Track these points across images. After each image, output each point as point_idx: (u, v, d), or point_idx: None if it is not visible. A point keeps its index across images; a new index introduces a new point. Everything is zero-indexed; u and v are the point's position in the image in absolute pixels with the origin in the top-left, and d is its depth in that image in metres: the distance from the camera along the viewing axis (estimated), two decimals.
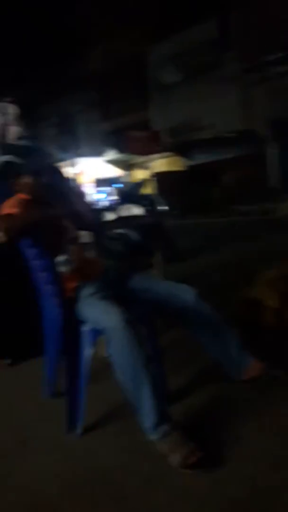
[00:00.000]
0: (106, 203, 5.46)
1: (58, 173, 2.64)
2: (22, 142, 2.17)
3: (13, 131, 2.47)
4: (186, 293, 1.78)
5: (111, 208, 3.49)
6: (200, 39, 14.35)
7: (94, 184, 16.02)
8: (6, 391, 2.18)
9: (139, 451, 1.54)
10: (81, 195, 2.46)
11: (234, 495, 1.28)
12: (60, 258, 1.84)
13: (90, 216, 2.01)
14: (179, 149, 16.06)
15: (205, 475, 1.37)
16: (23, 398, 2.08)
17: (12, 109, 2.51)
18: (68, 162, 16.15)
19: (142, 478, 1.40)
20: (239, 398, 1.80)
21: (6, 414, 1.95)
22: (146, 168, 13.33)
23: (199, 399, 1.86)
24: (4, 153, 1.94)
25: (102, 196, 13.06)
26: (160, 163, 17.33)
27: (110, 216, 2.82)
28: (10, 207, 1.79)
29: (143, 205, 3.68)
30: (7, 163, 1.90)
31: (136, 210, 3.27)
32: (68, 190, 2.02)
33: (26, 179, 1.88)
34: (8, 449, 1.67)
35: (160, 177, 14.83)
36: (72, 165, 16.53)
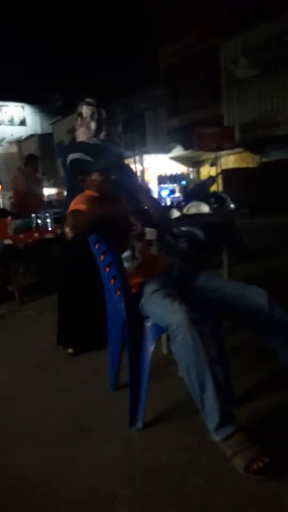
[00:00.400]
0: (170, 200, 5.44)
1: (126, 170, 2.67)
2: (92, 140, 2.21)
3: (102, 135, 2.54)
4: (257, 295, 1.70)
5: (175, 205, 3.47)
6: (275, 32, 13.78)
7: (158, 181, 16.11)
8: (71, 381, 2.26)
9: (201, 451, 1.52)
10: (149, 192, 2.46)
11: None
12: (126, 254, 1.87)
13: (159, 213, 2.01)
14: (252, 146, 15.58)
15: (270, 482, 1.32)
16: (87, 388, 2.14)
17: (104, 114, 2.58)
18: (134, 159, 16.41)
19: (204, 478, 1.38)
20: None
21: (69, 403, 2.03)
22: (214, 165, 13.09)
23: (266, 403, 1.80)
24: (74, 151, 1.99)
25: (166, 193, 13.07)
26: (230, 160, 16.95)
27: (174, 214, 2.80)
28: (78, 203, 1.84)
29: (211, 203, 3.61)
30: (76, 160, 1.95)
31: (203, 208, 3.21)
32: (136, 188, 2.03)
33: (95, 177, 1.92)
34: (70, 436, 1.73)
35: (230, 174, 14.51)
36: (138, 162, 16.76)
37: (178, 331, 1.49)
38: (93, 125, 2.53)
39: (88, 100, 2.58)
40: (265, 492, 1.29)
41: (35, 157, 6.00)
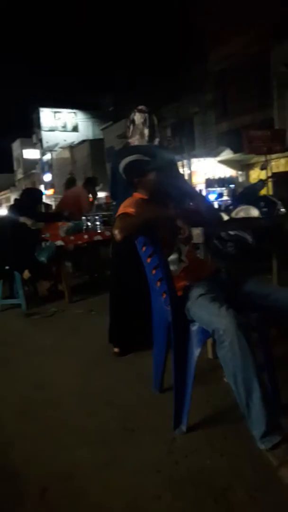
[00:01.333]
0: (218, 204, 5.39)
1: (178, 174, 2.69)
2: (148, 144, 2.24)
3: (155, 141, 2.59)
4: None
5: (223, 208, 3.43)
6: None
7: (205, 184, 15.95)
8: (116, 381, 2.30)
9: (246, 458, 1.49)
10: (200, 196, 2.47)
11: None
12: (172, 257, 1.88)
13: (211, 214, 2.01)
14: None
15: None
16: (132, 389, 2.16)
17: (155, 120, 2.62)
18: (182, 162, 16.37)
19: (248, 487, 1.36)
20: None
21: (114, 403, 2.05)
22: (265, 168, 12.77)
23: None
24: (130, 154, 2.03)
25: (213, 196, 12.90)
26: (281, 163, 16.48)
27: (223, 217, 2.77)
28: (127, 206, 1.88)
29: (261, 207, 3.54)
30: (133, 162, 1.99)
31: (252, 212, 3.15)
32: (187, 191, 2.04)
33: (151, 177, 1.95)
34: (114, 436, 1.75)
35: (279, 178, 14.09)
36: (186, 165, 16.71)
37: (225, 336, 1.47)
38: (146, 131, 2.57)
39: (140, 107, 2.63)
40: None
41: (93, 180, 6.17)
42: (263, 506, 1.27)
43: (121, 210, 1.87)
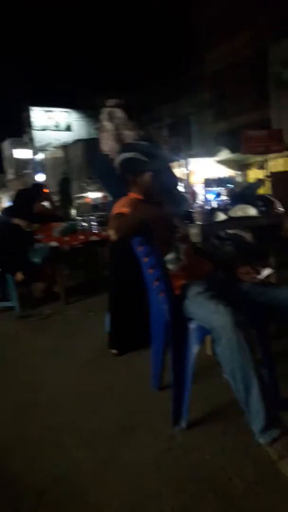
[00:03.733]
0: (217, 203, 5.39)
1: (171, 174, 2.68)
2: (143, 143, 2.24)
3: (127, 135, 2.53)
4: None
5: (222, 208, 3.44)
6: None
7: (204, 184, 15.98)
8: (115, 381, 2.30)
9: (246, 453, 1.51)
10: (185, 198, 2.48)
11: None
12: (169, 256, 1.88)
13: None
14: None
15: None
16: (130, 388, 2.17)
17: (120, 113, 2.56)
18: (179, 162, 16.38)
19: (249, 481, 1.37)
20: None
21: (113, 402, 2.06)
22: (262, 168, 12.81)
23: None
24: (126, 151, 2.02)
25: (212, 196, 12.93)
26: (279, 163, 16.51)
27: (220, 216, 2.78)
28: (121, 206, 1.88)
29: (259, 206, 3.55)
30: (130, 159, 1.98)
31: (250, 211, 3.16)
32: (178, 191, 2.05)
33: (146, 177, 1.96)
34: (113, 435, 1.76)
35: (277, 177, 14.12)
36: (183, 165, 16.72)
37: (223, 334, 1.48)
38: (108, 126, 2.54)
39: (107, 101, 2.60)
40: None
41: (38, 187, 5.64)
42: (263, 498, 1.28)
43: (116, 210, 1.87)
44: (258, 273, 1.77)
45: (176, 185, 2.22)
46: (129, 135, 2.53)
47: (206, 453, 1.54)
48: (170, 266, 1.86)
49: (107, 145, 2.58)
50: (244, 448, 1.53)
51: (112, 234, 1.69)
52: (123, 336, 2.65)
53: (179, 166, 16.40)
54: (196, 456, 1.54)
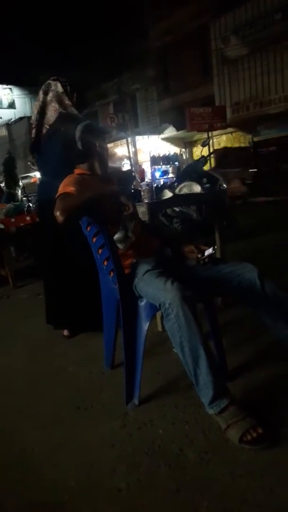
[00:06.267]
0: (163, 181, 5.43)
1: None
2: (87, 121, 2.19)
3: (53, 107, 2.51)
4: (249, 272, 1.72)
5: (168, 185, 3.46)
6: (265, 9, 13.47)
7: (150, 162, 16.00)
8: (67, 362, 2.29)
9: (197, 424, 1.55)
10: (133, 175, 2.49)
11: None
12: (119, 235, 1.87)
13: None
14: (243, 125, 15.45)
15: (265, 452, 1.35)
16: (83, 368, 2.17)
17: (57, 87, 2.53)
18: (126, 140, 16.24)
19: (200, 451, 1.41)
20: None
21: (66, 383, 2.05)
22: (206, 144, 13.01)
23: (259, 376, 1.84)
24: (72, 121, 1.99)
25: (159, 174, 13.01)
26: (222, 140, 16.82)
27: (167, 194, 2.79)
28: (67, 185, 1.81)
29: (203, 183, 3.60)
30: (91, 125, 1.96)
31: (195, 188, 3.20)
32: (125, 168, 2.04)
33: (99, 148, 1.93)
34: (67, 416, 1.76)
35: (222, 154, 14.40)
36: (130, 143, 16.60)
37: (171, 309, 1.50)
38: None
39: (48, 76, 2.57)
40: (259, 461, 1.32)
41: None
42: (214, 466, 1.33)
43: (61, 189, 1.80)
44: (202, 253, 1.81)
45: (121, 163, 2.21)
46: (57, 107, 2.51)
47: (158, 427, 1.58)
48: (119, 245, 1.85)
49: (40, 116, 2.54)
50: (194, 420, 1.58)
51: (58, 215, 1.62)
52: (73, 318, 2.63)
53: (127, 143, 16.26)
54: (149, 431, 1.57)
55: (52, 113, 2.50)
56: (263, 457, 1.33)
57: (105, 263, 1.84)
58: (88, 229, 1.83)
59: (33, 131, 2.58)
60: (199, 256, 1.82)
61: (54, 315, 2.67)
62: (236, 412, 1.42)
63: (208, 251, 1.82)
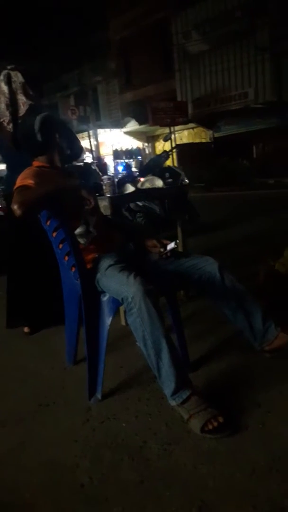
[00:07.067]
0: (125, 175, 5.41)
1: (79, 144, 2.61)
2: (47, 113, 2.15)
3: (21, 100, 2.46)
4: (210, 264, 1.77)
5: (130, 180, 3.45)
6: (226, 6, 13.64)
7: (113, 156, 15.90)
8: (29, 359, 2.24)
9: (160, 416, 1.57)
10: (94, 169, 2.48)
11: (256, 461, 1.29)
12: (80, 229, 1.84)
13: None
14: (204, 121, 15.65)
15: (225, 441, 1.39)
16: (45, 365, 2.14)
17: (16, 77, 2.47)
18: (88, 133, 16.06)
19: (162, 442, 1.43)
20: (261, 367, 1.80)
21: (28, 381, 2.01)
22: (168, 139, 13.07)
23: (221, 367, 1.88)
24: (36, 112, 1.94)
25: (121, 167, 12.93)
26: (184, 135, 16.98)
27: (129, 188, 2.78)
28: (25, 178, 1.76)
29: (165, 178, 3.62)
30: (52, 117, 1.92)
31: (157, 182, 3.21)
32: (86, 162, 2.02)
33: (61, 140, 1.90)
34: (29, 413, 1.73)
35: (184, 149, 14.54)
36: (92, 136, 16.43)
37: (134, 303, 1.51)
38: (5, 88, 2.46)
39: (7, 65, 2.51)
40: (220, 449, 1.36)
41: None
42: (177, 457, 1.36)
43: (18, 182, 1.74)
44: (165, 247, 1.83)
45: (82, 155, 2.19)
46: (25, 100, 2.45)
47: (121, 421, 1.58)
48: (80, 240, 1.83)
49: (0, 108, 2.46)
50: (157, 412, 1.60)
51: (16, 209, 1.57)
52: (33, 315, 2.58)
53: (89, 136, 16.07)
54: (112, 425, 1.57)
55: (21, 106, 2.44)
56: (224, 445, 1.37)
57: (66, 258, 1.82)
58: (48, 223, 1.79)
59: (5, 124, 2.48)
60: (162, 250, 1.84)
61: (14, 313, 2.60)
62: (197, 403, 1.45)
63: (171, 245, 1.83)
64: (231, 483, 1.22)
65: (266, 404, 1.56)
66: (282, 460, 1.28)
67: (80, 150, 2.35)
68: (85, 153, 16.39)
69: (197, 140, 16.48)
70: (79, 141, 2.37)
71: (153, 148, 18.40)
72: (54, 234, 1.81)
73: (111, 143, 16.54)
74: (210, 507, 1.15)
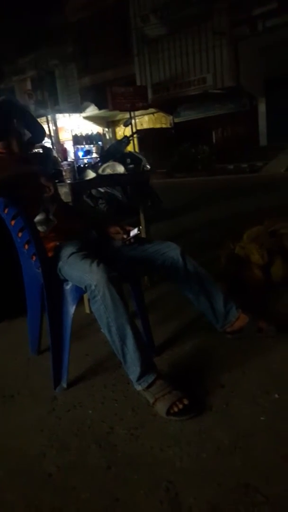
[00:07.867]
0: (86, 161, 5.34)
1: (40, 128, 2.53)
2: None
3: None
4: (172, 250, 1.79)
5: (91, 166, 3.40)
6: None
7: (73, 141, 15.59)
8: None
9: (126, 402, 1.58)
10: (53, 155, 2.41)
11: (220, 440, 1.32)
12: (40, 217, 1.80)
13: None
14: (164, 106, 15.60)
15: (191, 422, 1.42)
16: (7, 356, 2.10)
17: None
18: (46, 118, 15.64)
19: (129, 427, 1.44)
20: (224, 348, 1.84)
21: None
22: (128, 124, 12.98)
23: (185, 350, 1.91)
24: None
25: (81, 153, 12.73)
26: (144, 120, 16.87)
27: (90, 174, 2.73)
28: None
29: (127, 163, 3.59)
30: (10, 101, 1.84)
31: (118, 168, 3.18)
32: (46, 147, 1.96)
33: (15, 125, 1.83)
34: None
35: (144, 134, 14.47)
36: (51, 121, 16.02)
37: (97, 291, 1.50)
38: None
39: None
40: (186, 431, 1.39)
41: None
42: (143, 440, 1.37)
43: None
44: (127, 233, 1.83)
45: (43, 140, 2.11)
46: None
47: (88, 408, 1.58)
48: (40, 228, 1.78)
49: None
50: (124, 397, 1.61)
51: None
52: None
53: (47, 121, 15.65)
54: (78, 412, 1.57)
55: None
56: (189, 427, 1.40)
57: (26, 247, 1.77)
58: (6, 211, 1.74)
59: None
60: (125, 236, 1.83)
61: None
62: (162, 386, 1.47)
63: (133, 232, 1.83)
64: (197, 462, 1.25)
65: (230, 385, 1.60)
66: (245, 438, 1.32)
67: (43, 134, 2.28)
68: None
69: (158, 126, 16.42)
70: (41, 125, 2.29)
71: (114, 133, 18.19)
72: (13, 223, 1.75)
73: (70, 128, 16.16)
74: (178, 487, 1.18)
